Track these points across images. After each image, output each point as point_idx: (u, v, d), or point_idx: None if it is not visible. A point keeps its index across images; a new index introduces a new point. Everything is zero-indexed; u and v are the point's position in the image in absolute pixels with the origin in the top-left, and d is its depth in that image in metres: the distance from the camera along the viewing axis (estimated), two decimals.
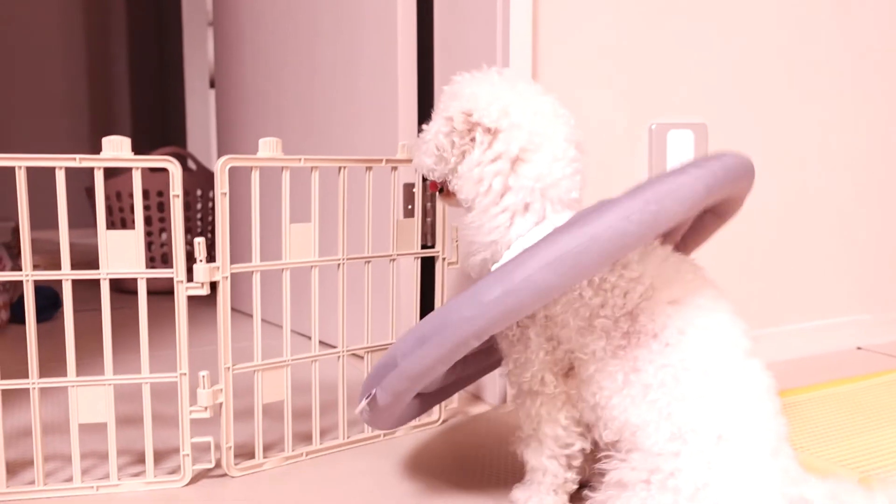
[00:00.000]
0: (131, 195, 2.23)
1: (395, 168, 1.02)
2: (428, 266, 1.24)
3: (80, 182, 3.20)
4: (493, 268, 0.81)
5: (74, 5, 3.82)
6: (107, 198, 2.27)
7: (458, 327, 0.69)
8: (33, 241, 2.32)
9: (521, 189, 0.78)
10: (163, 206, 2.26)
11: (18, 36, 3.63)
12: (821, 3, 1.47)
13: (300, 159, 0.93)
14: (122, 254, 0.86)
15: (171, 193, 0.86)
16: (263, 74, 1.75)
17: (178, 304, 0.88)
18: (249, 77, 1.82)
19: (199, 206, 2.34)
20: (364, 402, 0.78)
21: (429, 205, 1.28)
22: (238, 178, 1.79)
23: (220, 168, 0.88)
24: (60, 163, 0.83)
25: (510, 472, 0.93)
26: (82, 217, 3.83)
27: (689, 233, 0.88)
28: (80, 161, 0.83)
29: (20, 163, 0.82)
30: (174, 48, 3.82)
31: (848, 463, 0.93)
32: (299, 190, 0.96)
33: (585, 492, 0.77)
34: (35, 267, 0.87)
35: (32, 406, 0.86)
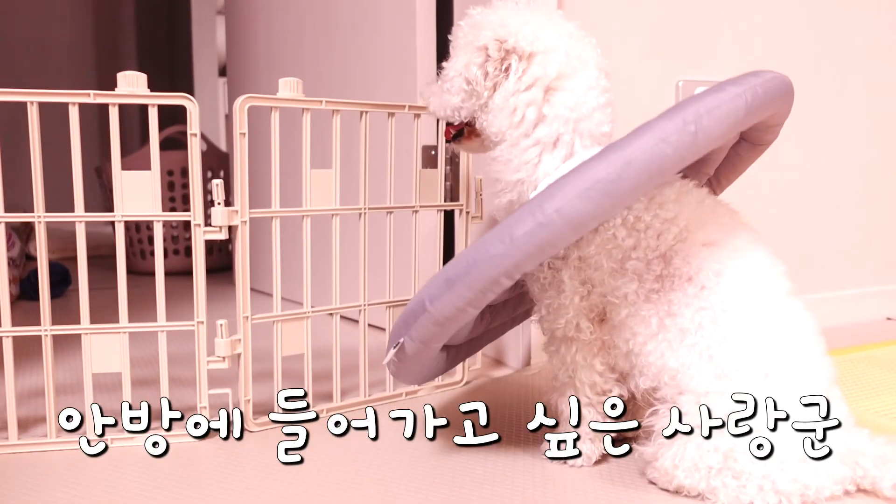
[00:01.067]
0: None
1: (417, 115, 0.99)
2: (448, 224, 1.20)
3: (90, 162, 3.17)
4: None
5: None
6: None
7: (488, 266, 0.65)
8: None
9: (556, 119, 0.74)
10: (173, 186, 2.23)
11: None
12: None
13: (321, 101, 0.90)
14: (137, 196, 0.83)
15: (189, 132, 0.83)
16: (280, 10, 1.72)
17: (195, 247, 0.84)
18: (261, 13, 1.79)
19: (209, 185, 2.31)
20: (392, 352, 0.74)
21: (448, 168, 1.24)
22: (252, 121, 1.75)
23: (239, 107, 0.84)
24: (74, 98, 0.80)
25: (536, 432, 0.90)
26: (91, 203, 3.82)
27: (724, 164, 0.84)
28: (94, 97, 0.80)
29: (32, 98, 0.78)
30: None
31: (892, 415, 0.89)
32: (318, 136, 0.92)
33: (634, 445, 0.73)
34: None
35: (45, 355, 0.82)
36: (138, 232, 2.27)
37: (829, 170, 1.46)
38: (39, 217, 0.81)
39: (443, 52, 1.32)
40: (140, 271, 2.25)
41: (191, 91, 3.66)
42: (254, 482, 0.76)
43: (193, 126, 0.82)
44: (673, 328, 0.69)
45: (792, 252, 1.48)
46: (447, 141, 0.86)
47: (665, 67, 1.26)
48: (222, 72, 3.82)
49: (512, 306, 0.92)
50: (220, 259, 2.35)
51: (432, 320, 0.69)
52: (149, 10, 4.00)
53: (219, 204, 0.84)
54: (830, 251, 1.48)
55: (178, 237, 2.32)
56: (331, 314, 0.95)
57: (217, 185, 0.83)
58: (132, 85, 0.81)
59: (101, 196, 2.45)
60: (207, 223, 0.85)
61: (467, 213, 1.04)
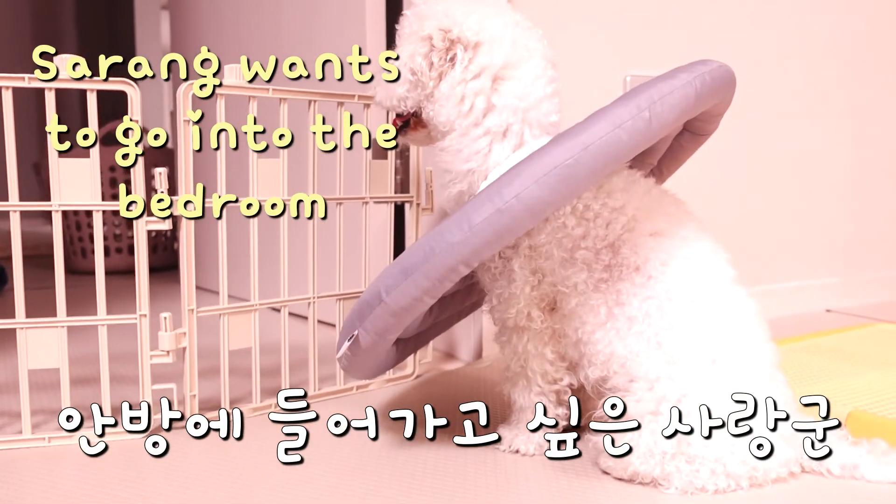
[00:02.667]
0: None
1: (367, 105, 0.97)
2: (398, 217, 1.19)
3: (27, 157, 3.07)
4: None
5: None
6: None
7: (446, 254, 0.64)
8: None
9: (505, 108, 0.74)
10: (115, 182, 2.17)
11: None
12: None
13: (268, 90, 0.88)
14: (76, 184, 0.80)
15: (130, 118, 0.80)
16: (226, 4, 1.68)
17: (137, 238, 0.81)
18: (207, 7, 1.75)
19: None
20: (346, 345, 0.73)
21: (398, 161, 1.23)
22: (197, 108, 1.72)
23: (183, 94, 0.82)
24: (6, 82, 0.76)
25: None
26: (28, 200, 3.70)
27: (666, 155, 0.85)
28: (28, 81, 0.77)
29: None
30: None
31: (835, 401, 0.91)
32: (265, 125, 0.90)
33: (587, 435, 0.73)
34: None
35: None
36: (79, 230, 2.20)
37: (770, 163, 1.49)
38: None
39: (392, 44, 1.31)
40: (81, 270, 2.18)
41: (131, 28, 3.56)
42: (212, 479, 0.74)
43: (135, 112, 0.80)
44: (621, 317, 0.69)
45: (734, 245, 1.50)
46: (396, 133, 0.85)
47: (613, 62, 1.27)
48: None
49: (460, 298, 0.91)
50: (166, 258, 2.29)
51: (389, 311, 0.68)
52: (89, 5, 3.90)
53: (162, 192, 0.81)
54: (772, 244, 1.52)
55: (121, 235, 2.26)
56: (279, 308, 0.93)
57: (160, 173, 0.81)
58: (70, 70, 0.78)
59: (39, 193, 2.37)
60: (150, 213, 0.82)
61: (418, 204, 1.03)
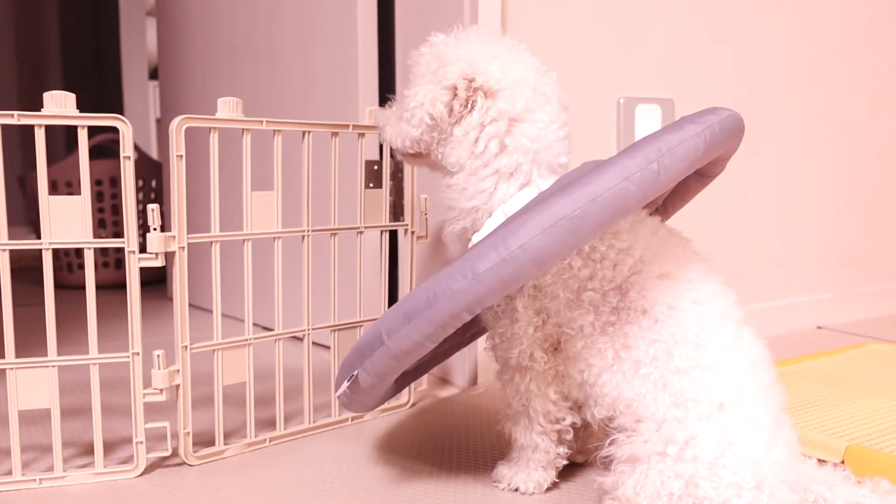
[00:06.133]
0: (67, 184, 2.11)
1: (361, 134, 0.97)
2: (392, 243, 1.18)
3: (12, 171, 3.03)
4: (474, 237, 0.77)
5: None
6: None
7: (449, 301, 0.63)
8: None
9: (517, 149, 0.74)
10: (101, 196, 2.15)
11: None
12: None
13: (262, 121, 0.87)
14: (66, 222, 0.78)
15: (122, 155, 0.78)
16: (216, 15, 1.67)
17: (129, 276, 0.80)
18: (197, 16, 1.74)
19: (140, 195, 2.23)
20: (345, 385, 0.72)
21: (390, 183, 1.22)
22: (188, 138, 1.71)
23: (176, 128, 0.81)
24: None
25: (485, 453, 0.89)
26: (14, 215, 3.63)
27: (672, 195, 0.85)
28: (18, 118, 0.75)
29: None
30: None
31: (832, 432, 0.91)
32: (258, 156, 0.89)
33: (593, 475, 0.73)
34: None
35: None
36: None
37: (760, 181, 1.49)
38: None
39: (385, 70, 1.30)
40: (68, 285, 2.16)
41: (119, 95, 3.54)
42: None
43: (127, 148, 0.79)
44: (628, 360, 0.69)
45: (725, 263, 1.51)
46: (392, 156, 0.84)
47: (607, 84, 1.26)
48: (153, 74, 3.71)
49: (460, 330, 0.91)
50: (153, 272, 2.27)
51: (390, 354, 0.67)
52: (73, 9, 3.86)
53: (154, 230, 0.80)
54: (762, 261, 1.52)
55: (109, 249, 2.23)
56: (276, 340, 0.92)
57: (153, 210, 0.79)
58: (60, 105, 0.77)
59: (24, 207, 2.34)
60: (142, 250, 0.81)
61: (412, 232, 1.02)
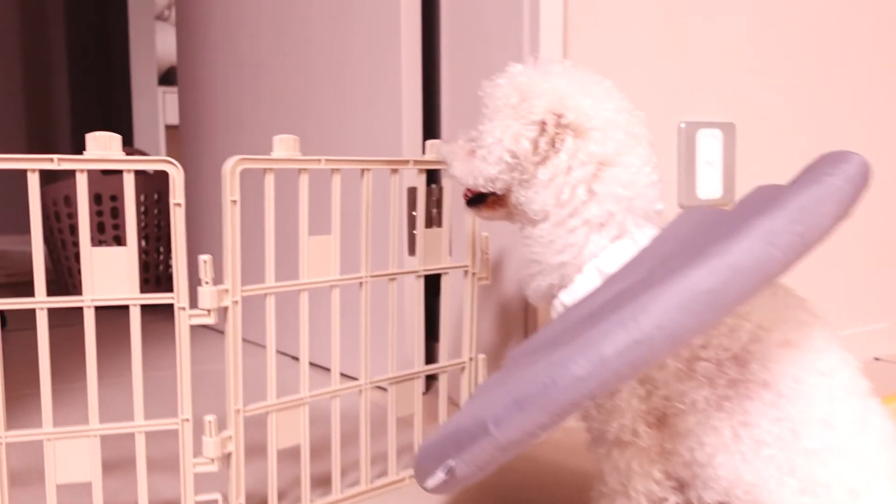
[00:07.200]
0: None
1: (422, 171, 0.89)
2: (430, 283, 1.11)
3: (22, 184, 2.94)
4: (562, 295, 0.69)
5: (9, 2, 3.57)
6: (54, 203, 2.07)
7: (569, 388, 0.55)
8: None
9: (608, 197, 0.66)
10: (116, 212, 2.07)
11: None
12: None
13: (320, 160, 0.79)
14: (110, 275, 0.71)
15: (172, 201, 0.71)
16: (236, 62, 1.59)
17: (179, 336, 0.72)
18: (220, 66, 1.66)
19: (156, 211, 2.15)
20: (440, 476, 0.63)
21: (434, 210, 1.15)
22: (217, 175, 1.63)
23: (231, 171, 0.73)
24: (34, 164, 0.67)
25: None
26: (11, 222, 3.54)
27: None
28: (58, 162, 0.68)
29: None
30: (118, 40, 3.59)
31: None
32: (293, 196, 0.82)
33: None
34: None
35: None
36: (78, 262, 2.10)
37: None
38: None
39: (430, 99, 1.23)
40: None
41: (128, 100, 3.46)
42: None
43: (178, 195, 0.71)
44: (748, 439, 0.61)
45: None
46: (467, 204, 0.77)
47: (666, 108, 1.19)
48: (162, 80, 3.63)
49: None
50: (168, 287, 2.19)
51: (496, 445, 0.58)
52: (80, 13, 3.77)
53: (206, 283, 0.72)
54: (819, 292, 1.44)
55: (149, 264, 2.15)
56: (333, 396, 0.84)
57: (205, 261, 0.72)
58: (104, 147, 0.69)
59: (26, 221, 2.27)
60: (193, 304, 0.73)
61: (473, 273, 0.94)
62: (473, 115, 0.69)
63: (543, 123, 0.67)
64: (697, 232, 0.61)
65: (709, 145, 1.22)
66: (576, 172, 0.66)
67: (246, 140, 1.56)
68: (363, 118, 1.25)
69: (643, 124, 0.70)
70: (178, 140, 1.93)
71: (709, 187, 1.22)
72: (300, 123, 1.40)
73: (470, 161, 0.72)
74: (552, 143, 0.67)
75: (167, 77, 3.66)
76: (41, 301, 0.69)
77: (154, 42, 3.51)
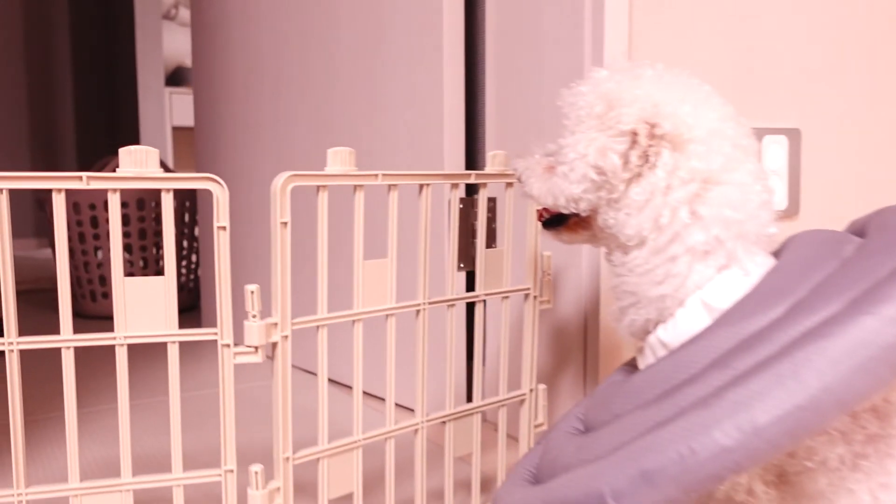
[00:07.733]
0: (91, 206, 1.95)
1: (484, 185, 0.80)
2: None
3: (28, 192, 2.85)
4: (660, 331, 0.60)
5: (13, 3, 3.48)
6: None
7: (712, 460, 0.46)
8: None
9: (715, 221, 0.57)
10: (95, 222, 1.98)
11: None
12: None
13: (377, 175, 0.70)
14: (144, 308, 0.62)
15: (216, 224, 0.62)
16: (256, 63, 1.50)
17: (222, 378, 0.64)
18: (239, 67, 1.57)
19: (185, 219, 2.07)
20: None
21: (475, 222, 1.06)
22: (257, 191, 1.55)
23: (281, 189, 0.64)
24: (61, 183, 0.59)
25: None
26: (24, 226, 3.45)
27: None
28: (87, 181, 0.59)
29: (5, 184, 0.57)
30: (124, 44, 3.50)
31: None
32: (342, 215, 0.73)
33: None
34: None
35: None
36: (87, 271, 2.01)
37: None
38: (12, 343, 0.60)
39: (472, 100, 1.14)
40: (89, 315, 2.00)
41: (134, 101, 3.37)
42: None
43: (222, 217, 0.62)
44: None
45: None
46: (543, 226, 0.68)
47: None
48: (169, 80, 3.54)
49: None
50: (190, 298, 2.11)
51: None
52: (84, 10, 3.68)
53: (254, 317, 0.64)
54: None
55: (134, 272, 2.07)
56: (387, 438, 0.76)
57: (252, 291, 0.63)
58: (140, 164, 0.60)
59: (34, 219, 2.18)
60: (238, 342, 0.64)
61: (535, 297, 0.86)
62: (523, 123, 0.60)
63: (634, 134, 0.58)
64: (833, 265, 0.53)
65: (774, 153, 1.14)
66: (676, 192, 0.57)
67: (266, 146, 1.47)
68: (397, 126, 1.17)
69: (751, 136, 0.62)
70: (191, 144, 1.84)
71: (774, 198, 1.14)
72: (325, 129, 1.32)
73: (549, 178, 0.64)
74: (645, 158, 0.59)
75: (174, 77, 3.57)
76: (68, 339, 0.61)
77: (161, 41, 3.42)
